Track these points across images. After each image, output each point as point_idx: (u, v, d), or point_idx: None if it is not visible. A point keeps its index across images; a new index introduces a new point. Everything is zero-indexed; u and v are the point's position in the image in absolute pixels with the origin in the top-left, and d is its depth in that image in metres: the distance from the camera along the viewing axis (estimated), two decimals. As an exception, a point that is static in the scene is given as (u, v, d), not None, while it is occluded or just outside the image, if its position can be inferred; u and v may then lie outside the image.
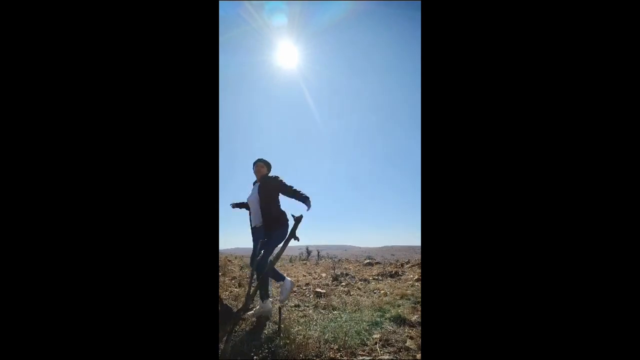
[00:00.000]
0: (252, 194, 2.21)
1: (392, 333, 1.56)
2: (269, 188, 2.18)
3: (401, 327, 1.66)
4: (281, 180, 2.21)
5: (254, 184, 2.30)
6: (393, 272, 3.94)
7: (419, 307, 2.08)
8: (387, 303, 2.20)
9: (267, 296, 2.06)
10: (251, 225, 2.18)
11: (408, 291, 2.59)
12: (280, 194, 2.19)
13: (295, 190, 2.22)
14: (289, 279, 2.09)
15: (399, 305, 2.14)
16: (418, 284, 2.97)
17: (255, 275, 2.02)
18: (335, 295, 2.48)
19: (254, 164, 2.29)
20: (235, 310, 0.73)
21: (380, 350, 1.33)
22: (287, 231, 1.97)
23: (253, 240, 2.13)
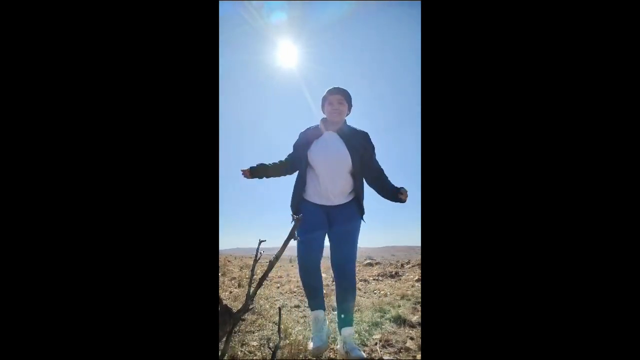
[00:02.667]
0: (326, 145, 1.25)
1: (393, 334, 1.55)
2: (361, 146, 1.27)
3: (401, 328, 1.65)
4: (373, 146, 1.33)
5: (311, 133, 1.30)
6: (393, 272, 3.94)
7: (419, 307, 2.08)
8: (388, 303, 2.20)
9: (351, 322, 1.22)
10: (297, 202, 1.28)
11: (408, 291, 2.59)
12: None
13: (385, 175, 1.31)
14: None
15: (399, 306, 2.14)
16: (418, 284, 2.96)
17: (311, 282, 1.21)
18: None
19: (329, 95, 1.27)
20: (234, 310, 0.73)
21: (381, 351, 1.33)
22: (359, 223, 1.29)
23: (305, 232, 1.19)
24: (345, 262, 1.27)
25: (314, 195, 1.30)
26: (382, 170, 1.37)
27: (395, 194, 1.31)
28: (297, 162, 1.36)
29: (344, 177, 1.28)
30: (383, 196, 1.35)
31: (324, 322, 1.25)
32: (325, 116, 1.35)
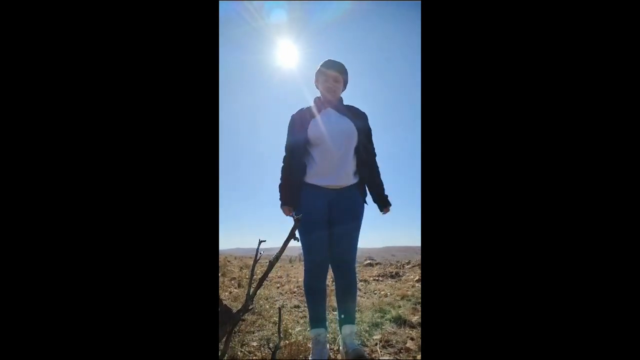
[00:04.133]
0: (327, 120, 1.17)
1: (393, 334, 1.55)
2: (364, 129, 1.22)
3: (402, 328, 1.65)
4: (370, 128, 1.27)
5: (308, 113, 1.21)
6: (394, 272, 3.94)
7: (419, 307, 2.07)
8: (388, 304, 2.20)
9: (353, 320, 1.19)
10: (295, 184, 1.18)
11: (409, 292, 2.59)
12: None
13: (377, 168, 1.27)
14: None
15: (399, 306, 2.13)
16: (419, 284, 2.96)
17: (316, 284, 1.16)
18: (335, 296, 2.47)
19: (325, 70, 1.19)
20: (234, 310, 0.73)
21: (381, 351, 1.32)
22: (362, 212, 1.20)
23: (308, 227, 1.13)
24: (345, 260, 1.20)
25: (316, 175, 1.17)
26: (375, 155, 1.30)
27: (381, 199, 1.27)
28: (296, 148, 1.20)
29: (350, 152, 1.17)
30: (367, 187, 1.27)
31: (325, 345, 1.17)
32: (318, 94, 1.26)
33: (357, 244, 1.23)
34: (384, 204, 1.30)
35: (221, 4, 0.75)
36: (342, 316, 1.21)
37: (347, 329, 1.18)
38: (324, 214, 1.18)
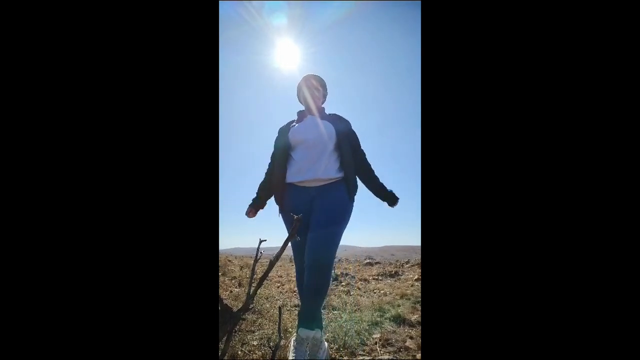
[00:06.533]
0: (307, 125, 1.22)
1: (392, 333, 1.56)
2: (346, 131, 1.24)
3: (401, 327, 1.66)
4: (356, 135, 1.29)
5: (294, 123, 1.27)
6: (393, 272, 3.95)
7: (419, 306, 2.08)
8: (387, 303, 2.20)
9: (320, 323, 1.13)
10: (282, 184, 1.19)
11: (408, 291, 2.59)
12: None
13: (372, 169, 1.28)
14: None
15: (398, 305, 2.14)
16: (418, 283, 2.97)
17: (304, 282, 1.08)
18: (335, 295, 2.48)
19: (305, 81, 1.28)
20: (235, 310, 0.73)
21: (380, 350, 1.33)
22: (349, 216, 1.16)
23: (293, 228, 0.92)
24: (317, 259, 1.07)
25: (295, 173, 1.19)
26: (363, 153, 1.31)
27: (383, 192, 1.29)
28: (280, 152, 1.25)
29: (329, 148, 1.18)
30: (364, 183, 1.30)
31: (322, 344, 1.12)
32: (302, 107, 1.35)
33: (337, 242, 1.12)
34: (389, 198, 1.29)
35: (221, 4, 0.75)
36: (302, 317, 1.08)
37: (303, 332, 1.04)
38: (308, 214, 1.17)
